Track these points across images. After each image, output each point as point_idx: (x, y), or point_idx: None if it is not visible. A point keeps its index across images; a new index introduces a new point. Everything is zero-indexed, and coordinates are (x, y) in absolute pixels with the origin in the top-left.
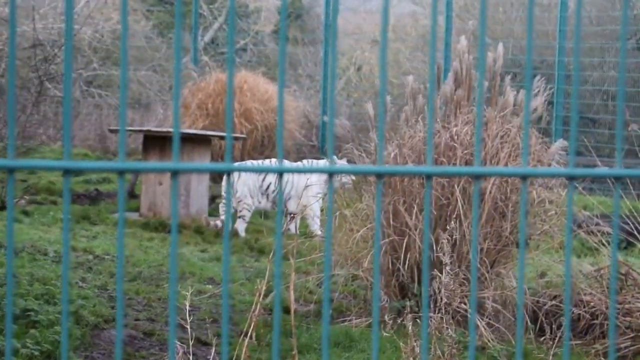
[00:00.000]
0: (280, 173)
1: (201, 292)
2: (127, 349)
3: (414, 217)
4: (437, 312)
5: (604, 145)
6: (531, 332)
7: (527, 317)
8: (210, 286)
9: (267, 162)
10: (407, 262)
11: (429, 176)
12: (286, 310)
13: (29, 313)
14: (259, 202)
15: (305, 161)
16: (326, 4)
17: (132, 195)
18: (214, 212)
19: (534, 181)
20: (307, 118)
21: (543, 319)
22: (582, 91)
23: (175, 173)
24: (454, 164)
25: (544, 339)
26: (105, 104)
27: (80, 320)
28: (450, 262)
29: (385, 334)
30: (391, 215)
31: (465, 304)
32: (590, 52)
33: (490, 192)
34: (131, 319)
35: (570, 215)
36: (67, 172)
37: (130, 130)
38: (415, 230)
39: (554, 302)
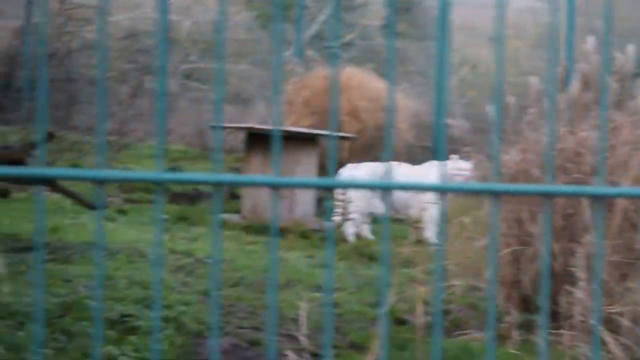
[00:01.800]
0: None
1: (310, 300)
2: (231, 358)
3: (538, 225)
4: (566, 328)
5: None
6: None
7: None
8: (318, 294)
9: (381, 165)
10: (530, 273)
11: (547, 195)
12: (399, 321)
13: (127, 318)
14: (375, 207)
15: (428, 163)
16: None
17: (233, 195)
18: (321, 216)
19: None
20: (419, 117)
21: None
22: None
23: (275, 187)
24: (582, 171)
25: None
26: (205, 98)
27: (182, 327)
28: (586, 277)
29: (509, 350)
30: (514, 224)
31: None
32: None
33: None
34: (234, 327)
35: None
36: (158, 183)
37: (233, 127)
38: (540, 239)
39: None
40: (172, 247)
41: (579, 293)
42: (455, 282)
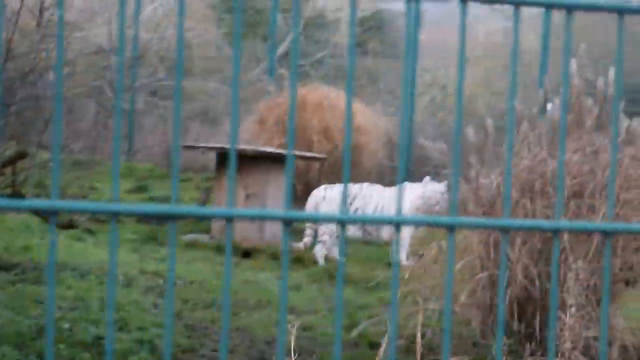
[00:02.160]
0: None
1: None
2: None
3: (516, 249)
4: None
5: None
6: None
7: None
8: (292, 316)
9: (356, 186)
10: (507, 297)
11: (505, 230)
12: (371, 345)
13: (101, 341)
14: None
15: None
16: (407, 17)
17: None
18: (293, 236)
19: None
20: (389, 137)
21: None
22: None
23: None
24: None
25: None
26: (171, 116)
27: (155, 349)
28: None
29: None
30: (491, 248)
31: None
32: None
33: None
34: (208, 349)
35: None
36: (115, 214)
37: (204, 147)
38: (517, 263)
39: None
40: (143, 267)
41: (570, 320)
42: (431, 305)
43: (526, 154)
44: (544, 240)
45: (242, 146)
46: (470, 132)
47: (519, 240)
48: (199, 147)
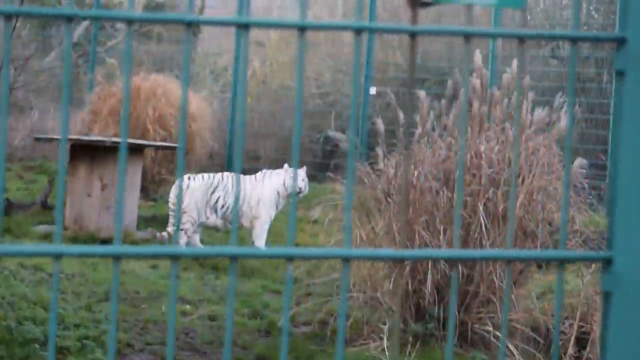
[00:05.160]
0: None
1: (185, 313)
2: None
3: (435, 236)
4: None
5: None
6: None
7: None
8: (188, 306)
9: (217, 176)
10: (426, 284)
11: (399, 261)
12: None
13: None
14: (207, 218)
15: (261, 172)
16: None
17: (46, 206)
18: (142, 227)
19: (555, 197)
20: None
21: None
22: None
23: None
24: (480, 183)
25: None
26: None
27: (101, 346)
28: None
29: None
30: (409, 234)
31: (489, 325)
32: None
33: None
34: (142, 344)
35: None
36: None
37: (58, 139)
38: (437, 248)
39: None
40: (21, 261)
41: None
42: (355, 293)
43: (442, 144)
44: (463, 226)
45: (98, 137)
46: (380, 122)
47: (441, 228)
48: (52, 139)
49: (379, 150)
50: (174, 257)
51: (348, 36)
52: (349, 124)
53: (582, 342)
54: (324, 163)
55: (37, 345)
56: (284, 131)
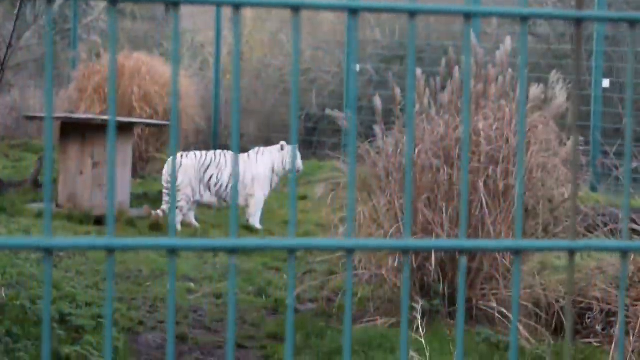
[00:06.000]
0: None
1: (190, 290)
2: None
3: (437, 214)
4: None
5: None
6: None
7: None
8: (192, 284)
9: (210, 154)
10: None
11: (405, 252)
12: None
13: (68, 318)
14: (201, 195)
15: (253, 150)
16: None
17: (37, 184)
18: (133, 204)
19: (554, 174)
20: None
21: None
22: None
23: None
24: (479, 160)
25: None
26: None
27: (117, 324)
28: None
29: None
30: (414, 212)
31: (492, 302)
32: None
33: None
34: (155, 321)
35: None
36: None
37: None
38: (441, 227)
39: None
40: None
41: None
42: (360, 270)
43: (441, 122)
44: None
45: (88, 115)
46: (377, 100)
47: (445, 205)
48: (42, 118)
49: (377, 128)
50: (172, 251)
51: (327, 15)
52: (344, 104)
53: (581, 317)
54: (306, 140)
55: (54, 324)
56: (265, 108)
